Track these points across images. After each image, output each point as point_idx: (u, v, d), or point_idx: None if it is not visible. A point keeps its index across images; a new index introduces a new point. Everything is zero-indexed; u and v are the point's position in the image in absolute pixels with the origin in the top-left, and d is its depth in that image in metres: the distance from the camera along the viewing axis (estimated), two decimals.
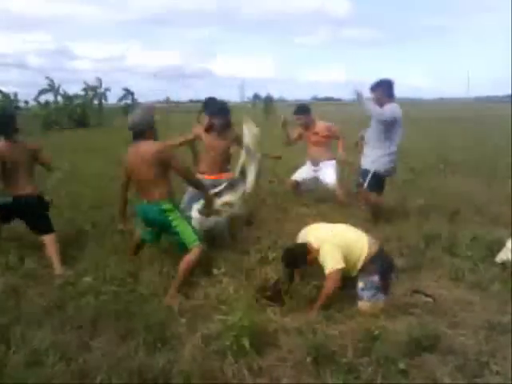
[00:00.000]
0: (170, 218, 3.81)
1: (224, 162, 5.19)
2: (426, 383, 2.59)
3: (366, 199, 5.51)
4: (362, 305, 3.42)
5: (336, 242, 3.55)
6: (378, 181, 5.37)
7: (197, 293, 3.72)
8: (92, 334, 3.11)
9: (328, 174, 6.31)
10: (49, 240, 4.27)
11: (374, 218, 5.43)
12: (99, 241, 4.79)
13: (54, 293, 3.60)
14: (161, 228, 3.97)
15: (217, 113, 5.06)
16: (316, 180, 6.53)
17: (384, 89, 5.26)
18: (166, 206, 3.79)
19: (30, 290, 3.69)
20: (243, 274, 3.99)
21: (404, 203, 6.23)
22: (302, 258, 3.59)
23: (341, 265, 3.44)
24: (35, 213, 4.34)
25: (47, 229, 4.35)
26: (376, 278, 3.47)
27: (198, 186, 4.21)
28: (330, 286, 3.40)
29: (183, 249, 3.84)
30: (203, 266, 4.09)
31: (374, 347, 2.80)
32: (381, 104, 5.20)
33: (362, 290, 3.48)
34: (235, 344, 2.80)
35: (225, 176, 5.07)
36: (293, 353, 2.85)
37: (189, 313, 3.37)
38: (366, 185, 5.34)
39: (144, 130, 3.84)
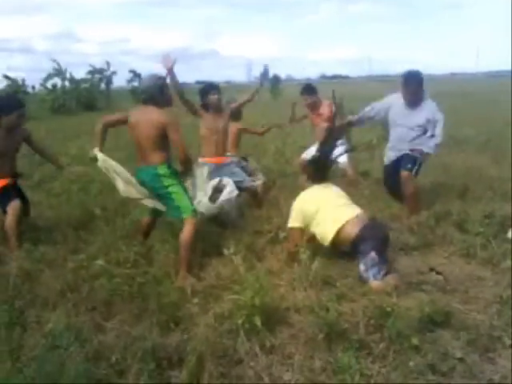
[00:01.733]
0: (164, 183, 3.81)
1: (225, 143, 5.21)
2: (438, 358, 2.60)
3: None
4: (373, 283, 3.40)
5: (301, 199, 4.00)
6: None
7: (208, 273, 3.74)
8: (106, 315, 3.16)
9: (338, 152, 6.20)
10: None
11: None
12: (110, 224, 4.82)
13: (68, 276, 3.63)
14: (156, 192, 3.93)
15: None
16: None
17: (418, 84, 5.03)
18: (162, 170, 3.80)
19: (44, 273, 3.72)
20: (254, 254, 4.01)
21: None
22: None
23: (292, 224, 3.94)
24: None
25: None
26: (373, 254, 3.45)
27: (187, 164, 3.93)
28: (286, 244, 3.97)
29: (176, 214, 3.87)
30: (214, 247, 4.11)
31: (386, 324, 2.81)
32: (415, 99, 5.02)
33: (366, 271, 3.46)
34: (247, 323, 2.82)
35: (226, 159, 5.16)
36: (304, 330, 2.87)
37: (201, 293, 3.40)
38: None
39: (154, 95, 3.86)
